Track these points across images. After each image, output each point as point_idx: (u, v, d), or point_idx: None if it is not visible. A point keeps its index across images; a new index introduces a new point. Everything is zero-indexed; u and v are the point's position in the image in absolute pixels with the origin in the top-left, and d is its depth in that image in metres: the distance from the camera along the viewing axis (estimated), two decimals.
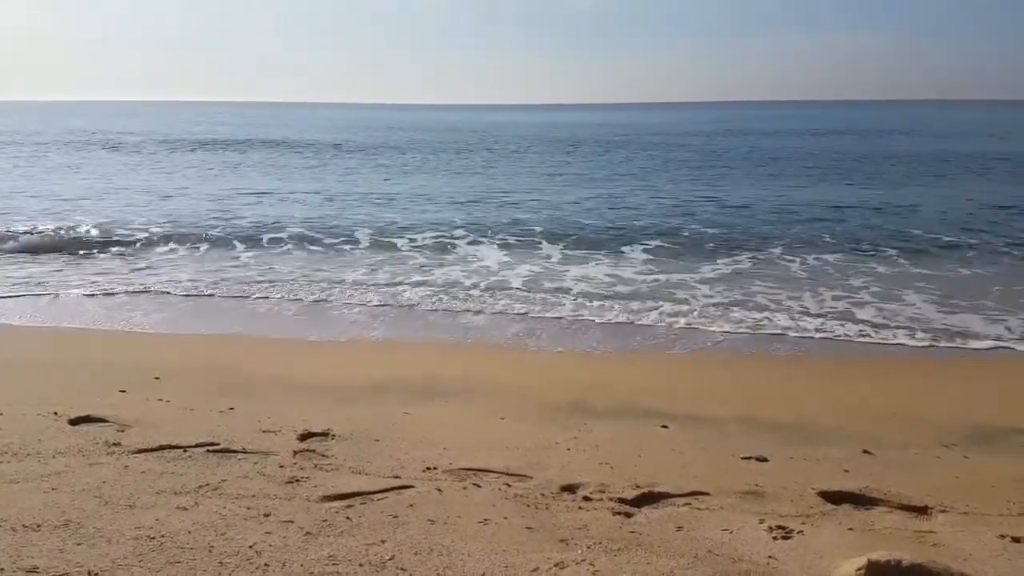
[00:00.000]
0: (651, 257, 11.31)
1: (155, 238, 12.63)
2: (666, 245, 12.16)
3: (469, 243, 12.45)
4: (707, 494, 3.27)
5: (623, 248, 11.90)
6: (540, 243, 12.41)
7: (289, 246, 12.26)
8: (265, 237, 12.86)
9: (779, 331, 7.50)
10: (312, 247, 12.18)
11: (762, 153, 31.93)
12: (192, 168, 25.97)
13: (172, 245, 12.24)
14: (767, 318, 7.94)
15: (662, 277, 9.91)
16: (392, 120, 77.81)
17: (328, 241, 12.60)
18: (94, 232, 12.94)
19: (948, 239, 12.36)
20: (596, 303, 8.55)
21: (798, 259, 10.99)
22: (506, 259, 11.22)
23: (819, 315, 8.03)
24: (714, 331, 7.51)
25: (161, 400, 4.80)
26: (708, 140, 41.69)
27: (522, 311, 8.24)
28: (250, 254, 11.67)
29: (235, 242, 12.46)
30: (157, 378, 5.51)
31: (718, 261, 10.92)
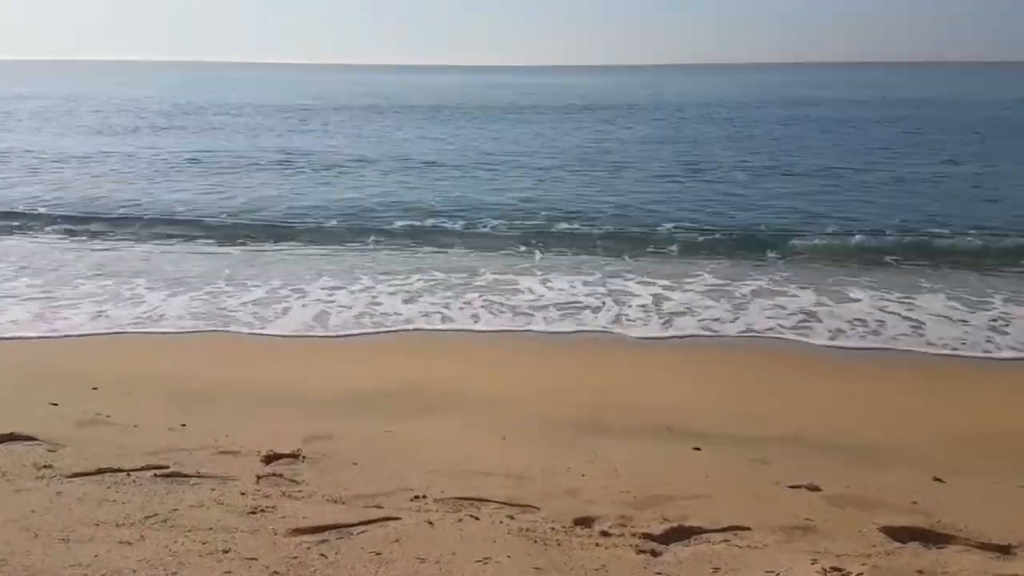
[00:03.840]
0: None
1: None
2: None
3: None
4: (748, 529, 3.27)
5: None
6: None
7: None
8: None
9: (830, 333, 7.48)
10: None
11: None
12: None
13: None
14: (813, 313, 7.94)
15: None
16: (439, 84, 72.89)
17: None
18: None
19: None
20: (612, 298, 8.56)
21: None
22: None
23: (880, 314, 8.03)
24: (753, 331, 7.51)
25: (100, 415, 4.80)
26: None
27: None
28: None
29: None
30: (95, 388, 5.52)
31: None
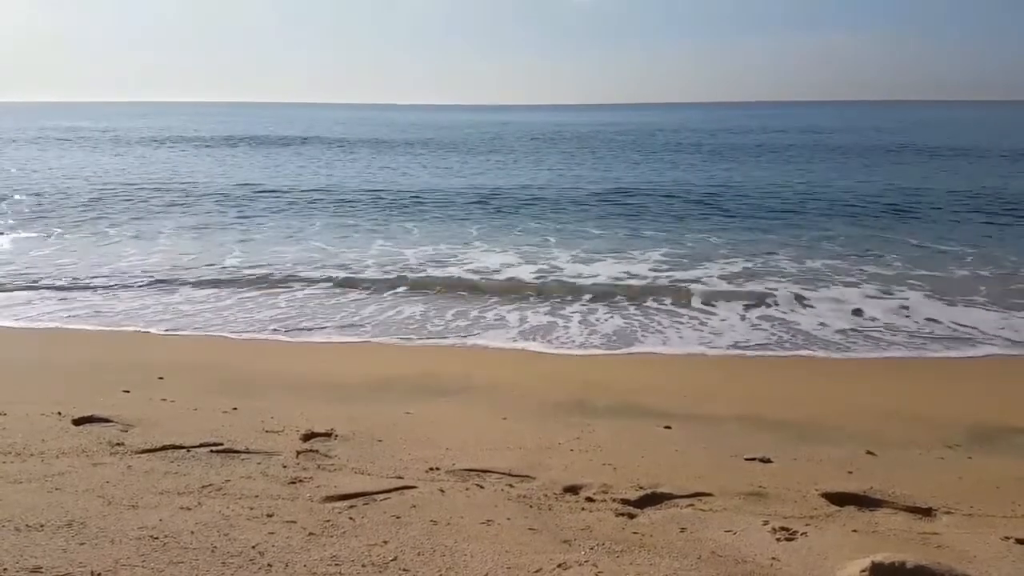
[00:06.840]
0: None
1: None
2: None
3: None
4: (710, 495, 3.26)
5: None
6: None
7: None
8: None
9: (783, 330, 7.47)
10: None
11: None
12: None
13: None
14: (770, 316, 7.92)
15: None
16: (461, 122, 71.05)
17: None
18: None
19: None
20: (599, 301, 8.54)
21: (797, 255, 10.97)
22: None
23: (819, 313, 8.01)
24: (717, 329, 7.49)
25: (165, 400, 4.79)
26: None
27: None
28: None
29: None
30: (161, 378, 5.51)
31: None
